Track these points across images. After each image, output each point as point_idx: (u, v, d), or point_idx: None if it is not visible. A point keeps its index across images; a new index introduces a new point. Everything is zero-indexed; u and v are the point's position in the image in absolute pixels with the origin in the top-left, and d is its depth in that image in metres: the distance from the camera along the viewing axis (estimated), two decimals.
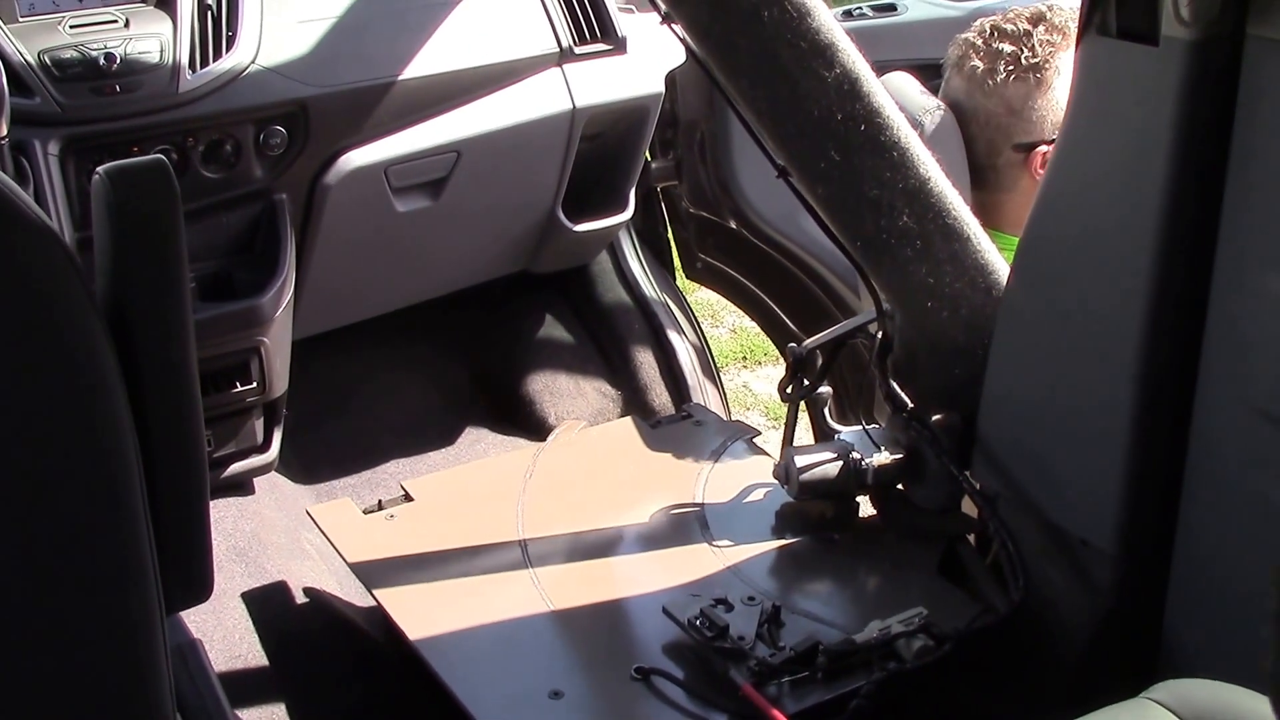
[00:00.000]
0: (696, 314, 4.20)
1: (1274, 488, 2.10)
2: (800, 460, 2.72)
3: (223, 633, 2.90)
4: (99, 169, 1.63)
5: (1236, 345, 2.14)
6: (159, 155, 1.66)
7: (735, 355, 5.83)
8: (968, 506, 2.65)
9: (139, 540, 1.61)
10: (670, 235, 4.21)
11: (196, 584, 1.83)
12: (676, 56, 3.65)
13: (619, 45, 3.53)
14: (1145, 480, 2.29)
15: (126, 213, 1.62)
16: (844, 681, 2.36)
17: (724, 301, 5.76)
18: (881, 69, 2.47)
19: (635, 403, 3.87)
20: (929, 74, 3.19)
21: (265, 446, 3.41)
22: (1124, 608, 2.37)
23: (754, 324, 5.50)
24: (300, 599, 3.07)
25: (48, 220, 1.51)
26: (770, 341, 5.28)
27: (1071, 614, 2.43)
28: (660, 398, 3.87)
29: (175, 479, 1.71)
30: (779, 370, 5.53)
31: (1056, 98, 2.95)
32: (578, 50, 3.47)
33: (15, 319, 1.50)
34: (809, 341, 2.81)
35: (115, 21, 2.96)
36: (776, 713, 2.26)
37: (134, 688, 1.66)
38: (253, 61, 3.04)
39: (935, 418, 2.63)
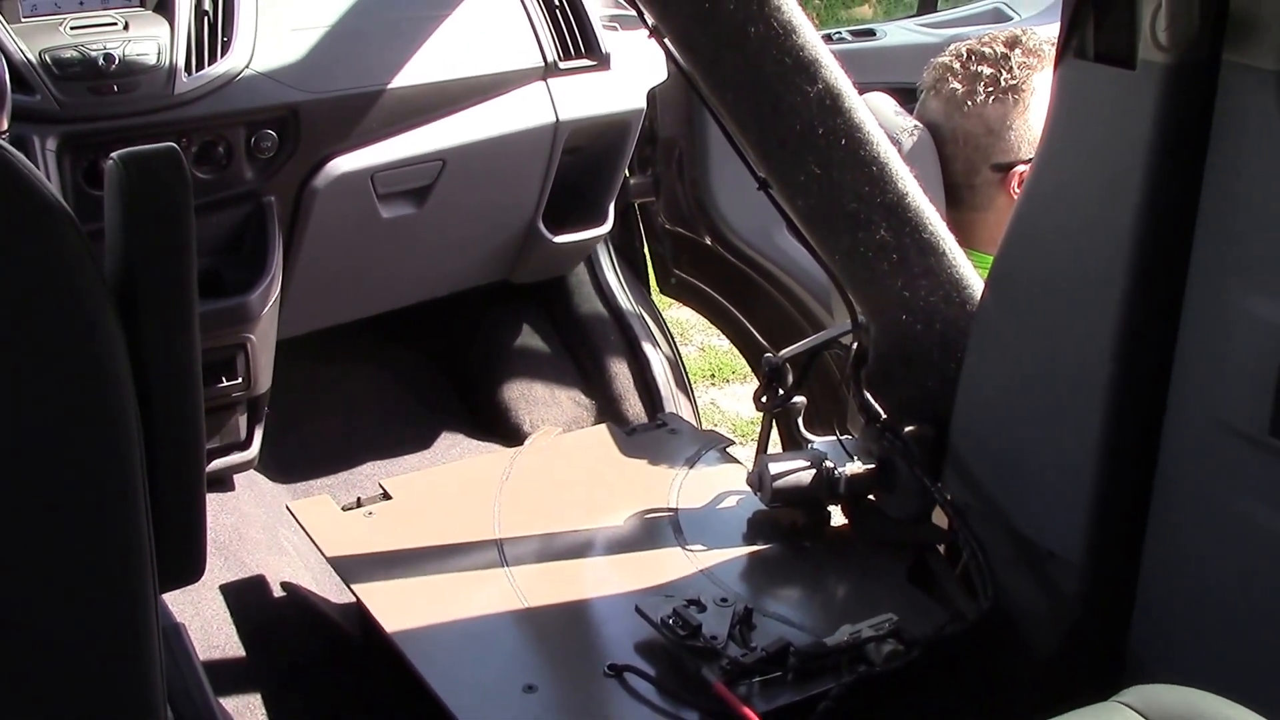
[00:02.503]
0: None
1: (1241, 502, 2.10)
2: (774, 468, 2.70)
3: (200, 622, 2.88)
4: (113, 154, 1.62)
5: (1207, 362, 2.13)
6: (171, 144, 1.65)
7: (703, 373, 5.82)
8: (938, 517, 2.64)
9: (137, 516, 1.60)
10: (646, 250, 4.20)
11: (189, 563, 1.82)
12: (658, 74, 3.65)
13: (603, 61, 3.52)
14: (1114, 494, 2.28)
15: (139, 197, 1.61)
16: (814, 683, 2.34)
17: (693, 320, 5.77)
18: (859, 91, 2.46)
19: (609, 412, 3.85)
20: (905, 97, 3.19)
21: (247, 443, 3.40)
22: (1090, 617, 2.35)
23: (722, 343, 5.52)
24: (277, 592, 3.05)
25: (64, 203, 1.50)
26: (737, 360, 5.29)
27: (1039, 623, 2.42)
28: (634, 408, 3.86)
29: (174, 458, 1.70)
30: (746, 388, 5.54)
31: (1033, 118, 2.95)
32: (562, 65, 3.46)
33: (30, 296, 1.50)
34: (784, 352, 2.79)
35: (114, 24, 2.95)
36: (748, 711, 2.24)
37: (127, 660, 1.65)
38: (246, 66, 3.03)
39: (907, 429, 2.62)
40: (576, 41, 3.48)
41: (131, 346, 1.57)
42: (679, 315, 5.75)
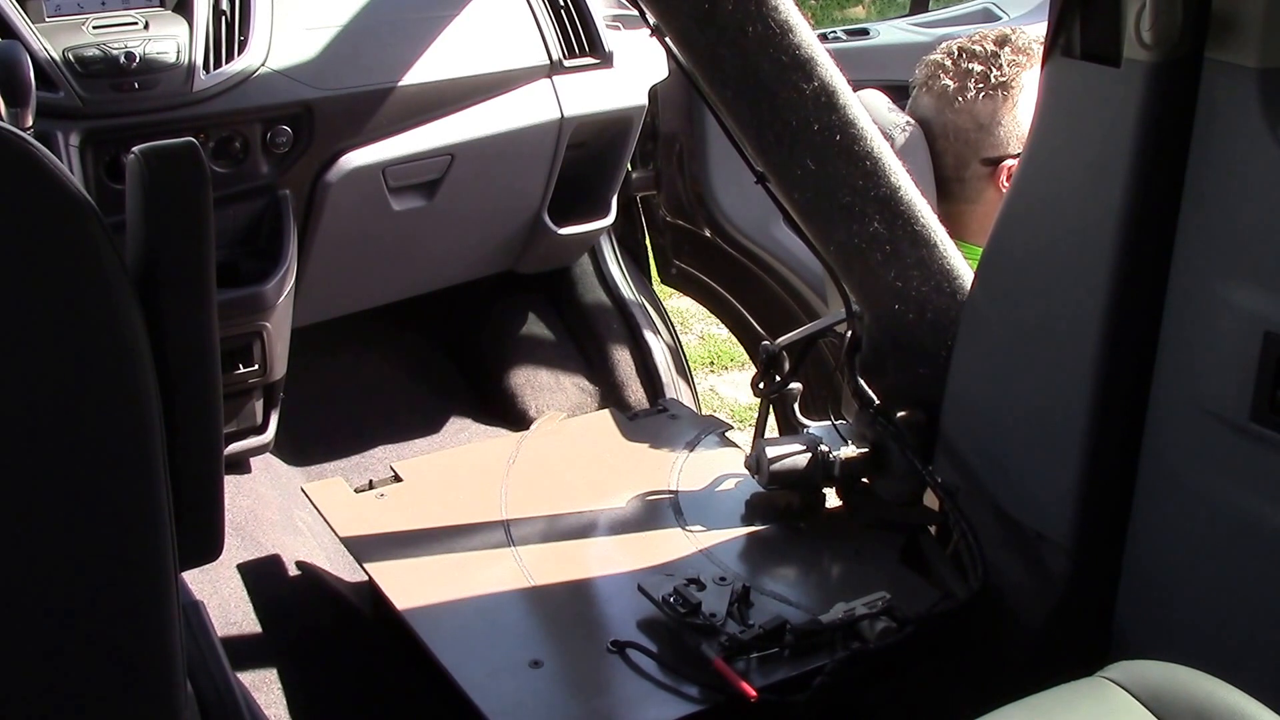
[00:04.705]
0: None
1: (1222, 485, 2.10)
2: (771, 452, 2.70)
3: (219, 600, 2.89)
4: (134, 149, 1.62)
5: (1189, 350, 2.13)
6: (190, 139, 1.65)
7: (703, 360, 5.82)
8: (929, 499, 2.64)
9: (158, 497, 1.60)
10: (648, 242, 4.21)
11: (208, 543, 1.82)
12: (659, 72, 3.65)
13: (606, 60, 3.52)
14: (1099, 478, 2.28)
15: (159, 190, 1.61)
16: (810, 659, 2.34)
17: (694, 309, 5.77)
18: (853, 88, 2.46)
19: (612, 398, 3.86)
20: (898, 94, 3.18)
21: (263, 428, 3.41)
22: (1077, 597, 2.35)
23: (721, 331, 5.51)
24: (293, 571, 3.06)
25: (87, 195, 1.50)
26: (736, 348, 5.28)
27: (1027, 602, 2.42)
28: (636, 393, 3.86)
29: (194, 441, 1.70)
30: (744, 375, 5.54)
31: (1021, 114, 2.95)
32: (567, 63, 3.46)
33: (56, 284, 1.49)
34: (781, 340, 2.80)
35: (135, 23, 2.95)
36: (745, 685, 2.25)
37: (149, 635, 1.65)
38: (262, 64, 3.03)
39: (900, 414, 2.61)
40: (580, 40, 3.48)
41: (152, 334, 1.57)
42: (679, 304, 5.75)
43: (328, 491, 2.87)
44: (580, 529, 2.76)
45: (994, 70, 2.98)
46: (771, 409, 2.97)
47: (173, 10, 3.00)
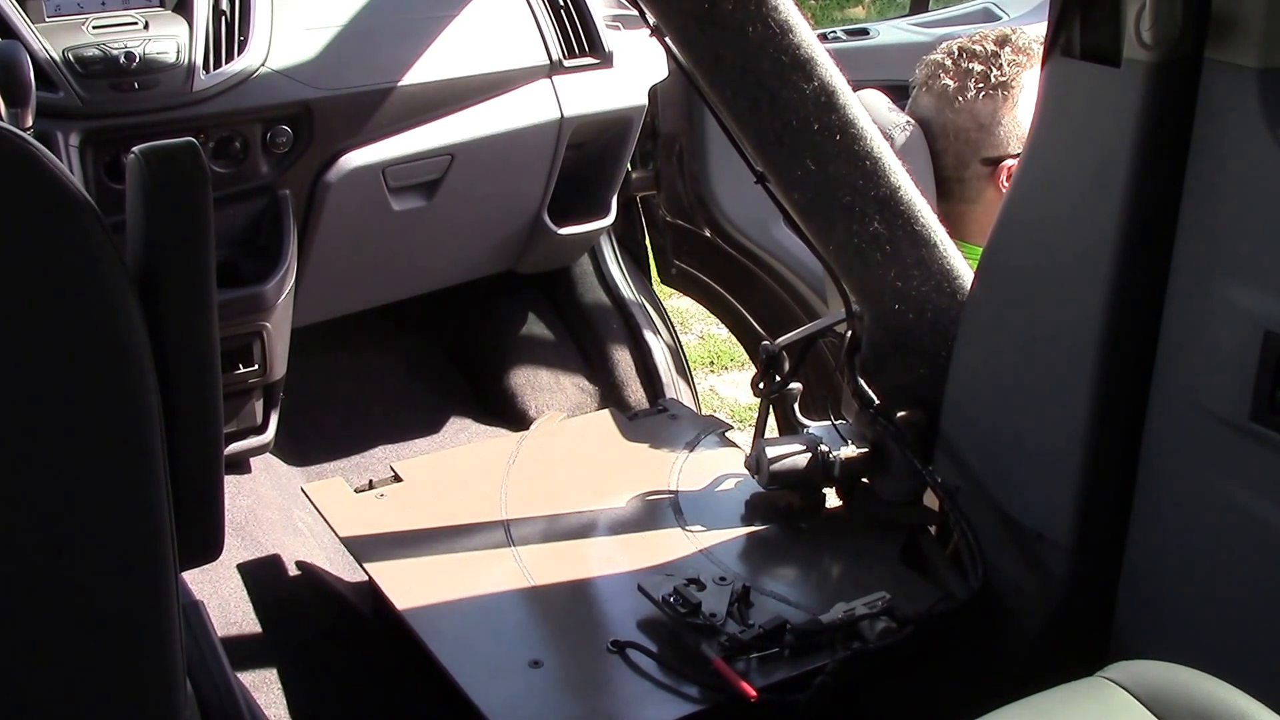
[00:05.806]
0: None
1: (1222, 484, 2.10)
2: (771, 452, 2.70)
3: (219, 600, 2.89)
4: (134, 149, 1.62)
5: (1189, 350, 2.13)
6: (190, 139, 1.65)
7: (703, 360, 5.82)
8: (929, 499, 2.64)
9: (158, 497, 1.60)
10: (647, 242, 4.21)
11: (208, 543, 1.82)
12: (659, 72, 3.65)
13: (606, 60, 3.51)
14: (1099, 477, 2.28)
15: (159, 190, 1.61)
16: (810, 659, 2.34)
17: (694, 309, 5.77)
18: (853, 88, 2.46)
19: (612, 398, 3.86)
20: (897, 94, 3.18)
21: (263, 428, 3.41)
22: (1077, 597, 2.35)
23: (721, 331, 5.51)
24: (293, 571, 3.06)
25: (86, 195, 1.50)
26: (736, 348, 5.28)
27: (1027, 602, 2.42)
28: (636, 394, 3.86)
29: (194, 441, 1.70)
30: (744, 375, 5.54)
31: (1021, 114, 2.95)
32: (567, 63, 3.46)
33: (56, 285, 1.49)
34: (781, 340, 2.79)
35: (135, 23, 2.95)
36: (745, 685, 2.24)
37: (149, 635, 1.65)
38: (262, 64, 3.03)
39: (900, 414, 2.61)
40: (580, 40, 3.48)
41: (153, 334, 1.57)
42: (679, 304, 5.75)
43: (327, 491, 2.86)
44: (580, 529, 2.76)
45: (994, 70, 2.97)
46: (771, 409, 2.96)
47: (173, 10, 3.00)
